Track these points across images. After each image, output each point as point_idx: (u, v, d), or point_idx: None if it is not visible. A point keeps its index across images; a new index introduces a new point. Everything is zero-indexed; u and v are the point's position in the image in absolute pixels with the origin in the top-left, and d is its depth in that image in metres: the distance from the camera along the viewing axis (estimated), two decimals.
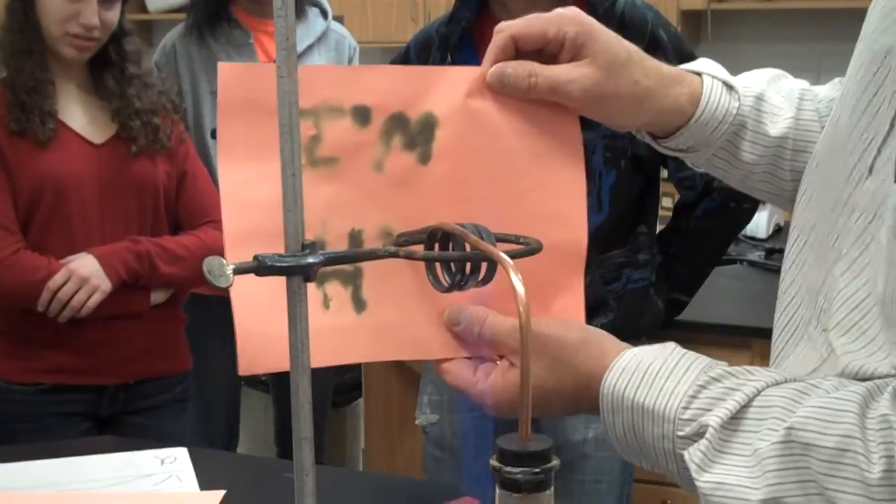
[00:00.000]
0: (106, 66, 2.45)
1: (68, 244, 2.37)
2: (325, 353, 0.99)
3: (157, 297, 2.51)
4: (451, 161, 1.04)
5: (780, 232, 3.75)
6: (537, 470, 0.78)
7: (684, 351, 0.95)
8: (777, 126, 1.14)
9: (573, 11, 1.05)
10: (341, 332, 1.00)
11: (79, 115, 2.43)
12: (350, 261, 0.95)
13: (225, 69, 0.99)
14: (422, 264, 0.99)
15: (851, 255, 0.92)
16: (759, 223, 3.56)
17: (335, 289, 1.00)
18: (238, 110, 0.99)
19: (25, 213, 2.35)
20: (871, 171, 0.93)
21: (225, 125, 0.99)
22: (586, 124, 1.09)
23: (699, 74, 1.12)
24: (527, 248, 0.95)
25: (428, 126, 1.03)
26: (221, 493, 1.67)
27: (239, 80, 0.99)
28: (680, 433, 0.90)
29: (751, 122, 1.13)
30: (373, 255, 0.96)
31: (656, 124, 1.12)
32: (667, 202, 3.39)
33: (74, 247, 2.37)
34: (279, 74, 0.80)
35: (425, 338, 1.04)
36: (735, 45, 4.65)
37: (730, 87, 1.12)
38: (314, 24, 3.27)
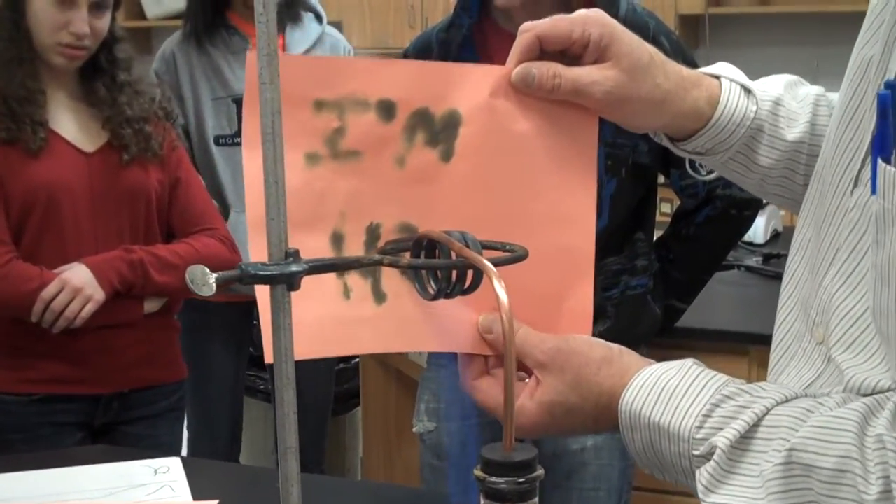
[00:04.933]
0: (97, 74, 2.45)
1: (61, 253, 2.36)
2: (348, 342, 1.01)
3: (151, 305, 2.50)
4: (472, 159, 1.04)
5: (777, 237, 3.75)
6: (522, 480, 0.77)
7: (702, 368, 0.96)
8: (793, 131, 1.14)
9: (597, 13, 1.05)
10: (363, 322, 1.00)
11: (70, 123, 2.42)
12: (334, 269, 0.94)
13: (253, 57, 0.99)
14: None
15: (846, 269, 0.92)
16: (757, 229, 3.55)
17: (355, 280, 1.01)
18: None
19: (17, 222, 2.34)
20: (856, 182, 0.92)
21: (251, 112, 0.97)
22: None
23: (718, 78, 1.12)
24: (511, 256, 0.95)
25: (451, 123, 1.03)
26: (214, 502, 1.66)
27: None
28: (695, 453, 0.91)
29: (768, 126, 1.13)
30: (358, 264, 0.95)
31: (674, 127, 1.12)
32: (665, 208, 3.38)
33: (67, 256, 2.36)
34: (261, 81, 0.79)
35: (448, 332, 1.03)
36: (733, 49, 4.66)
37: (748, 91, 1.12)
38: (309, 28, 3.28)
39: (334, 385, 3.61)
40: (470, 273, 0.93)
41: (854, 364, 0.90)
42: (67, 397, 2.43)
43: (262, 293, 0.94)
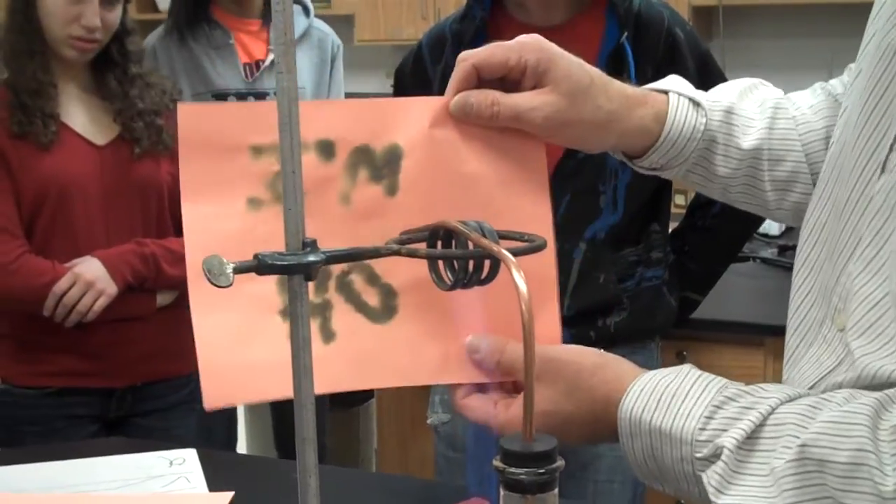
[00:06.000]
0: (108, 67, 2.45)
1: (72, 247, 2.37)
2: (289, 384, 0.98)
3: (163, 298, 2.50)
4: (417, 191, 1.05)
5: (792, 229, 3.73)
6: (542, 471, 0.76)
7: (700, 372, 0.95)
8: (749, 138, 1.14)
9: (534, 39, 1.05)
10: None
11: (81, 116, 2.42)
12: (352, 259, 0.94)
13: (184, 110, 1.01)
14: (393, 292, 1.02)
15: (868, 254, 0.91)
16: (772, 220, 3.54)
17: None
18: (199, 149, 1.00)
19: (29, 216, 2.35)
20: (883, 168, 0.91)
21: (187, 164, 1.00)
22: None
23: (666, 93, 1.12)
24: (530, 245, 0.94)
25: (394, 157, 1.04)
26: (230, 494, 1.66)
27: (198, 119, 1.01)
28: (698, 455, 0.90)
29: (721, 136, 1.13)
30: (376, 254, 0.94)
31: (624, 145, 1.13)
32: (679, 200, 3.37)
33: (79, 250, 2.37)
34: (278, 70, 0.79)
35: (407, 365, 1.04)
36: (747, 40, 4.63)
37: (696, 104, 1.12)
38: (295, 22, 3.23)
39: None
40: (486, 263, 0.92)
41: (868, 351, 0.89)
42: (81, 390, 2.43)
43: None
